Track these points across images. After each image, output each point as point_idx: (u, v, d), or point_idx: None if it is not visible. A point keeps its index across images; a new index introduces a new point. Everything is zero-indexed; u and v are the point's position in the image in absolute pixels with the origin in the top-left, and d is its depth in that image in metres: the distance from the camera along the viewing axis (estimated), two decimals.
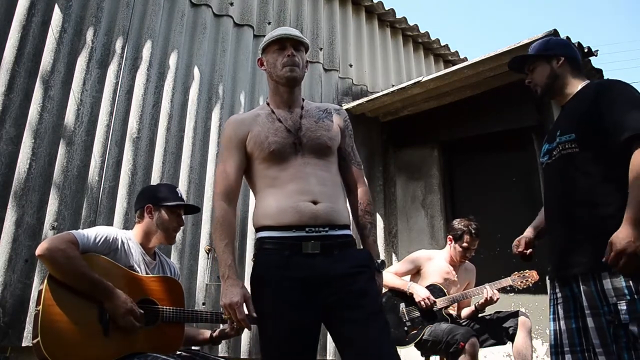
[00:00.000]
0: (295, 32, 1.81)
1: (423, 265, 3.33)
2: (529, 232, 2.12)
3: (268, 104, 1.84)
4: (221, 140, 1.85)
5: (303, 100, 1.86)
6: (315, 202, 1.65)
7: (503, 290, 3.18)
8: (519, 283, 3.10)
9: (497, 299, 3.09)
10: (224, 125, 3.84)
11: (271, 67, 1.79)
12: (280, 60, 1.76)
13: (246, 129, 1.76)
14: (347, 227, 1.72)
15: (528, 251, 2.08)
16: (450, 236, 3.34)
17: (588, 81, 1.96)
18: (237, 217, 3.67)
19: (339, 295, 1.58)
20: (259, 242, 1.69)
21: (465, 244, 3.24)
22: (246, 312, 1.60)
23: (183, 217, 2.33)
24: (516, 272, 3.13)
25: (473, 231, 3.24)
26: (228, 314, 1.59)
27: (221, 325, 2.37)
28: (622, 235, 1.56)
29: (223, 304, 1.59)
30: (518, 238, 2.14)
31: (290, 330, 1.58)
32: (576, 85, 1.94)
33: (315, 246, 1.61)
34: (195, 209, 2.44)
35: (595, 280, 1.69)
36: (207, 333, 2.33)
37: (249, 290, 1.66)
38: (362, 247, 1.79)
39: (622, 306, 1.62)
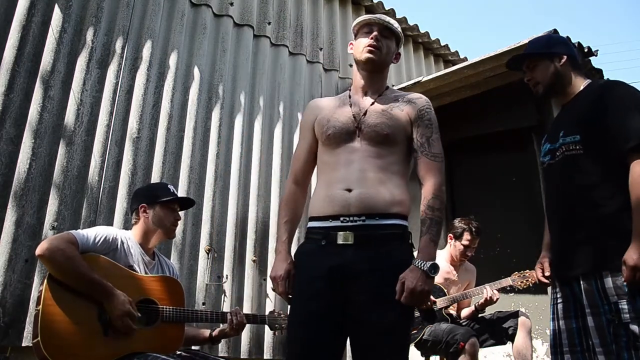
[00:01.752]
0: (386, 18, 1.79)
1: None
2: (547, 253, 2.04)
3: (350, 89, 1.85)
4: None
5: (387, 88, 1.83)
6: (350, 190, 1.60)
7: (503, 290, 3.18)
8: (519, 283, 3.10)
9: (497, 299, 3.09)
10: (224, 126, 3.86)
11: (356, 49, 1.79)
12: (365, 42, 1.75)
13: (316, 112, 1.80)
14: (393, 215, 1.59)
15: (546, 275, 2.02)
16: (451, 234, 3.35)
17: (589, 80, 1.95)
18: (237, 216, 3.72)
19: (356, 297, 1.53)
20: (306, 232, 1.71)
21: (465, 242, 3.25)
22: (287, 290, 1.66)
23: (181, 212, 2.34)
24: (516, 272, 3.13)
25: (473, 229, 3.25)
26: (274, 287, 1.68)
27: (221, 325, 2.37)
28: (632, 252, 1.59)
29: (270, 277, 1.70)
30: (541, 262, 2.05)
31: (310, 319, 1.56)
32: (578, 85, 1.94)
33: (347, 237, 1.56)
34: (190, 202, 2.46)
35: (596, 280, 1.70)
36: (206, 332, 2.33)
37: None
38: (410, 245, 1.66)
39: (623, 305, 1.63)
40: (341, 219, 1.59)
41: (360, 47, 1.75)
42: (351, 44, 1.85)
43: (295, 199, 1.78)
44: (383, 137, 1.66)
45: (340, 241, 1.57)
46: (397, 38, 1.80)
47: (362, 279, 1.53)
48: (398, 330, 1.54)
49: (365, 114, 1.70)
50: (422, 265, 1.52)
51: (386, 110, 1.72)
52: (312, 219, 1.69)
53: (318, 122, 1.76)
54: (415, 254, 1.60)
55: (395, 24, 1.79)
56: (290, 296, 1.65)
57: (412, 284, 1.49)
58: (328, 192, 1.64)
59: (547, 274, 2.02)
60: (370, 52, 1.72)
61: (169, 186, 2.34)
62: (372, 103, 1.74)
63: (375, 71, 1.78)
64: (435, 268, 1.52)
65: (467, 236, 3.25)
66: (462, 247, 3.26)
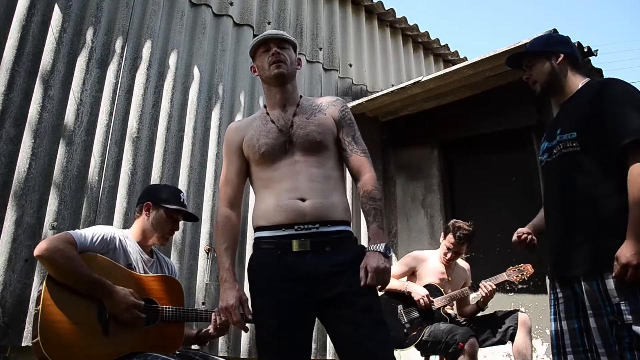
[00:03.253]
0: (277, 32, 1.83)
1: (418, 267, 3.34)
2: (528, 227, 2.14)
3: (265, 107, 1.86)
4: (223, 148, 1.89)
5: (301, 97, 1.86)
6: (303, 200, 1.64)
7: (502, 287, 3.17)
8: (515, 277, 3.10)
9: (494, 289, 3.09)
10: (224, 125, 3.86)
11: (261, 70, 1.82)
12: (267, 60, 1.78)
13: (242, 135, 1.81)
14: (342, 223, 1.68)
15: (530, 238, 2.09)
16: (443, 233, 3.35)
17: (588, 79, 1.95)
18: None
19: (329, 294, 1.57)
20: (255, 242, 1.72)
21: (448, 244, 3.23)
22: (242, 314, 1.63)
23: (181, 223, 2.31)
24: (512, 267, 3.13)
25: (458, 233, 3.19)
26: (225, 317, 1.63)
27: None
28: (626, 250, 1.60)
29: (220, 307, 1.64)
30: (518, 230, 2.13)
31: (282, 330, 1.58)
32: (576, 84, 1.93)
33: (304, 244, 1.61)
34: (194, 218, 2.41)
35: (598, 281, 1.69)
36: (194, 332, 2.32)
37: (247, 293, 1.68)
38: (360, 244, 1.75)
39: (625, 307, 1.62)
40: (296, 227, 1.62)
41: (266, 66, 1.78)
42: (252, 68, 1.88)
43: (231, 225, 1.75)
44: (317, 144, 1.72)
45: (296, 249, 1.61)
46: (293, 46, 1.85)
47: (325, 281, 1.58)
48: (375, 310, 1.60)
49: (292, 126, 1.74)
50: (377, 248, 1.61)
51: (311, 118, 1.77)
52: (261, 228, 1.69)
53: (247, 142, 1.77)
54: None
55: (286, 34, 1.84)
56: (247, 324, 1.66)
57: (375, 263, 1.57)
58: (279, 202, 1.65)
59: (517, 236, 2.10)
60: (278, 67, 1.76)
61: (181, 194, 2.31)
62: (294, 114, 1.78)
63: (287, 83, 1.81)
64: (388, 248, 1.62)
65: (450, 238, 3.22)
66: (445, 247, 3.25)
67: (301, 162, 1.70)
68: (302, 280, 1.58)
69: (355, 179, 1.78)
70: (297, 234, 1.62)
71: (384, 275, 1.58)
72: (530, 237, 2.10)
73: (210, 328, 2.23)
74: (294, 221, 1.62)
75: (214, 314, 2.23)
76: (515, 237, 2.13)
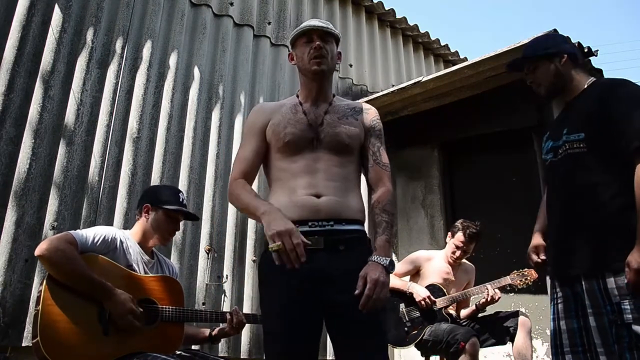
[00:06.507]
0: (323, 23, 1.75)
1: (422, 266, 3.34)
2: (540, 239, 2.04)
3: (298, 95, 1.82)
4: (244, 126, 1.84)
5: (334, 96, 1.83)
6: (318, 196, 1.61)
7: (503, 289, 3.18)
8: (518, 282, 3.10)
9: (499, 298, 3.10)
10: (224, 125, 3.87)
11: (299, 60, 1.76)
12: (307, 53, 1.71)
13: (267, 117, 1.76)
14: (357, 222, 1.66)
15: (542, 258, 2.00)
16: (450, 233, 3.35)
17: (593, 78, 1.94)
18: (237, 216, 3.72)
19: (337, 298, 1.55)
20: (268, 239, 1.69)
21: (457, 242, 3.24)
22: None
23: (182, 222, 2.30)
24: (515, 271, 3.13)
25: (468, 232, 3.22)
26: (279, 242, 1.43)
27: (221, 324, 2.37)
28: (637, 255, 1.59)
29: (277, 232, 1.44)
30: (534, 245, 2.03)
31: (290, 327, 1.56)
32: (582, 82, 1.93)
33: (317, 241, 1.57)
34: (193, 217, 2.40)
35: (598, 280, 1.69)
36: (206, 332, 2.33)
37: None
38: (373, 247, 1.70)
39: (626, 305, 1.62)
40: (309, 223, 1.59)
41: (305, 59, 1.72)
42: (290, 55, 1.82)
43: (246, 184, 1.69)
44: (344, 146, 1.69)
45: (310, 246, 1.56)
46: (336, 39, 1.79)
47: (337, 281, 1.55)
48: (380, 325, 1.58)
49: (322, 123, 1.71)
50: (380, 260, 1.55)
51: (342, 119, 1.74)
52: None
53: (272, 127, 1.72)
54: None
55: (331, 26, 1.77)
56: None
57: (375, 275, 1.50)
58: (293, 199, 1.62)
59: (542, 257, 1.99)
60: (318, 63, 1.70)
61: (179, 194, 2.29)
62: (326, 112, 1.75)
63: (325, 79, 1.77)
64: (392, 265, 1.56)
65: (460, 237, 3.24)
66: (453, 246, 3.26)
67: (323, 160, 1.66)
68: (312, 278, 1.55)
69: (371, 189, 1.74)
70: (311, 231, 1.58)
71: (382, 289, 1.49)
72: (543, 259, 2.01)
73: (226, 326, 2.23)
74: (307, 217, 1.59)
75: (228, 313, 2.24)
76: (532, 255, 2.03)
